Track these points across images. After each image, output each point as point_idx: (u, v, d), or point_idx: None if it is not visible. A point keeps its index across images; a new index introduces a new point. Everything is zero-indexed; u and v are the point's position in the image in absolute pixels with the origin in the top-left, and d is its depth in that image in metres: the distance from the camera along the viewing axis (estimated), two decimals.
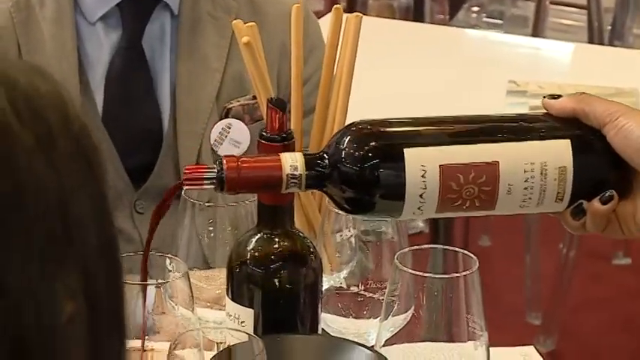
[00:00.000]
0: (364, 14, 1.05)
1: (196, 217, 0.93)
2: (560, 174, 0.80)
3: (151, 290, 0.83)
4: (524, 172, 0.80)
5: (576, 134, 0.80)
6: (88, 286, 0.41)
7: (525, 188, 0.80)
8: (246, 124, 1.29)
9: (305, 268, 0.89)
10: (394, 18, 3.25)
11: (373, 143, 0.80)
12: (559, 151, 0.80)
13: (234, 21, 1.00)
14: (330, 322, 0.92)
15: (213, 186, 0.78)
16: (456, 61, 2.13)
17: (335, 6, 1.01)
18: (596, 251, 2.69)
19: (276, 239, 0.89)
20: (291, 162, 0.78)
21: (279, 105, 0.88)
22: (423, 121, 0.86)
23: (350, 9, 2.78)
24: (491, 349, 1.08)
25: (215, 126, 1.27)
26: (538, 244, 2.52)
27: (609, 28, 2.91)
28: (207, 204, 0.94)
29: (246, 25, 0.97)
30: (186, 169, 0.77)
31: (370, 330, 0.90)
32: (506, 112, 1.48)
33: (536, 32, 2.89)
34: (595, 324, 2.50)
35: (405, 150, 0.79)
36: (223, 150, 1.28)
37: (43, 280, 0.39)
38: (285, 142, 0.87)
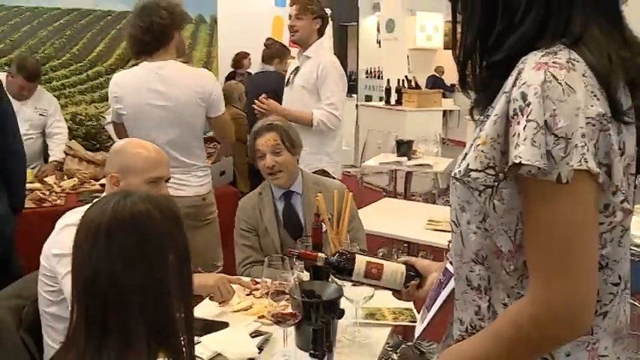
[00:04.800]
0: None
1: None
2: (400, 275, 1.58)
3: None
4: (392, 269, 1.57)
5: (407, 266, 1.60)
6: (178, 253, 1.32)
7: (386, 275, 1.59)
8: None
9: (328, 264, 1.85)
10: None
11: (345, 256, 1.64)
12: (401, 268, 1.58)
13: (318, 194, 2.52)
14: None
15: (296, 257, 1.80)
16: None
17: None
18: None
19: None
20: (319, 259, 1.71)
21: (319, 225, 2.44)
22: (361, 253, 1.63)
23: None
24: None
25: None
26: None
27: None
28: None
29: (317, 196, 2.51)
30: (300, 252, 1.83)
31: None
32: None
33: None
34: None
35: (356, 256, 1.61)
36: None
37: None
38: (316, 250, 2.26)
